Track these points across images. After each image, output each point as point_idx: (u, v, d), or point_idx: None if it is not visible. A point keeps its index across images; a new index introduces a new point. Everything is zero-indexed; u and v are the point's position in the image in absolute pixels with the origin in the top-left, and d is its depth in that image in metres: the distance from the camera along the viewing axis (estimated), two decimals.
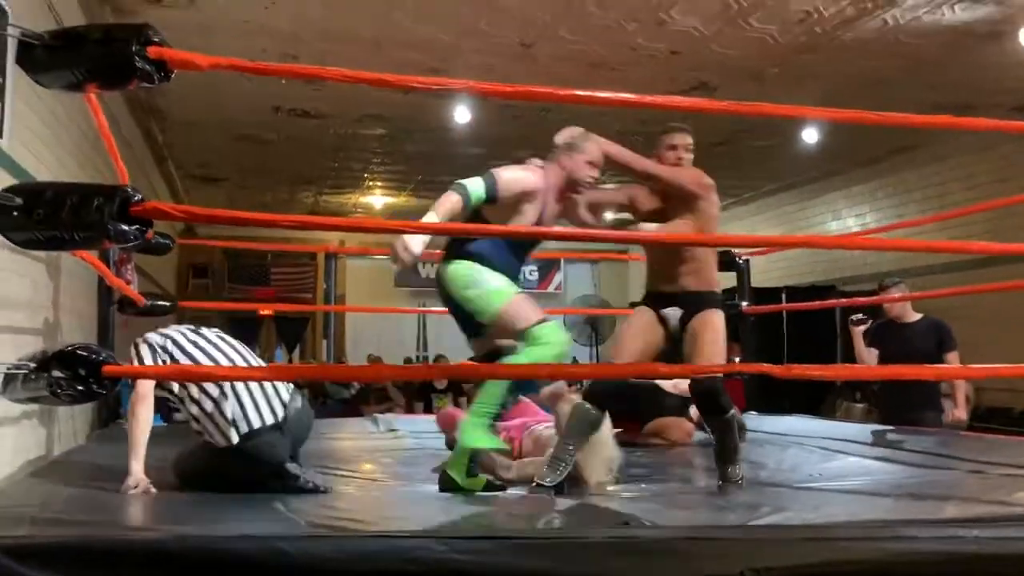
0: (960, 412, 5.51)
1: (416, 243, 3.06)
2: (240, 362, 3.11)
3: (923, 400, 5.36)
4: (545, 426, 3.68)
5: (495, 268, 3.37)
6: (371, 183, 11.58)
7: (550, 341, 3.13)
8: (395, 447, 4.21)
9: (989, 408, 8.36)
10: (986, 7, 5.81)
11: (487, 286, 3.31)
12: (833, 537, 2.10)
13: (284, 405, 3.02)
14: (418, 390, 9.64)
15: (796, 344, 9.65)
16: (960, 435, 5.08)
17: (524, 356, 3.13)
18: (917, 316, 5.61)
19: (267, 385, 3.02)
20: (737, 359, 6.79)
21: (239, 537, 2.02)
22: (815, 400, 8.57)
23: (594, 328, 13.32)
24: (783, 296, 9.91)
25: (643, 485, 3.34)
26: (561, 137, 3.65)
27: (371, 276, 14.81)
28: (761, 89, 7.22)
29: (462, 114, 7.83)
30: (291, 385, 3.17)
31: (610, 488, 3.19)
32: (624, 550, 2.04)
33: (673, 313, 3.51)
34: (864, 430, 4.86)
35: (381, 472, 3.60)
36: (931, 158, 9.45)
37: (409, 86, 3.02)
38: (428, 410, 8.83)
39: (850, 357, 6.05)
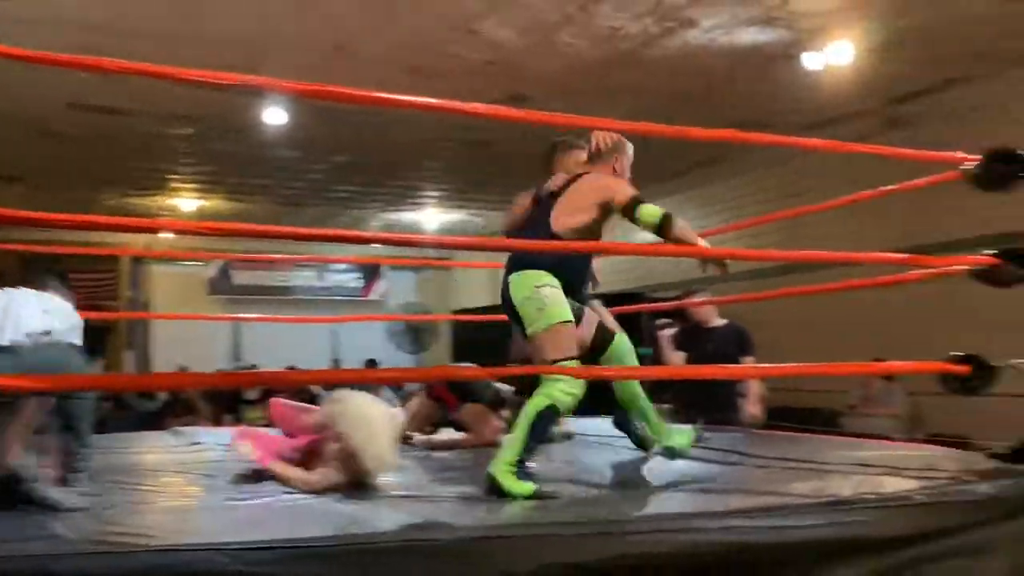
0: (754, 409, 5.85)
1: None
2: None
3: (723, 401, 5.67)
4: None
5: (562, 279, 3.38)
6: (179, 185, 11.10)
7: (570, 388, 3.09)
8: (195, 460, 4.02)
9: (781, 407, 8.91)
10: (776, 31, 6.21)
11: (544, 303, 3.30)
12: (621, 532, 2.16)
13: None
14: (227, 401, 9.30)
15: None
16: (753, 433, 5.40)
17: (540, 392, 3.11)
18: (721, 321, 5.95)
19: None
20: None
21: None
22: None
23: (416, 336, 13.27)
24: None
25: (442, 486, 3.35)
26: (603, 141, 3.74)
27: (181, 283, 14.19)
28: (573, 102, 7.42)
29: (275, 115, 7.63)
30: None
31: (404, 491, 3.18)
32: (415, 553, 2.02)
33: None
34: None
35: (173, 486, 3.43)
36: (731, 172, 10.00)
37: (215, 83, 2.91)
38: (239, 422, 8.52)
39: (658, 361, 6.32)
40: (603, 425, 5.33)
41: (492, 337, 9.71)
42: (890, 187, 4.06)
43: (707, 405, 5.49)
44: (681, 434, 3.83)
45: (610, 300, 10.58)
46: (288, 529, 2.26)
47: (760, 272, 9.48)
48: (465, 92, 7.10)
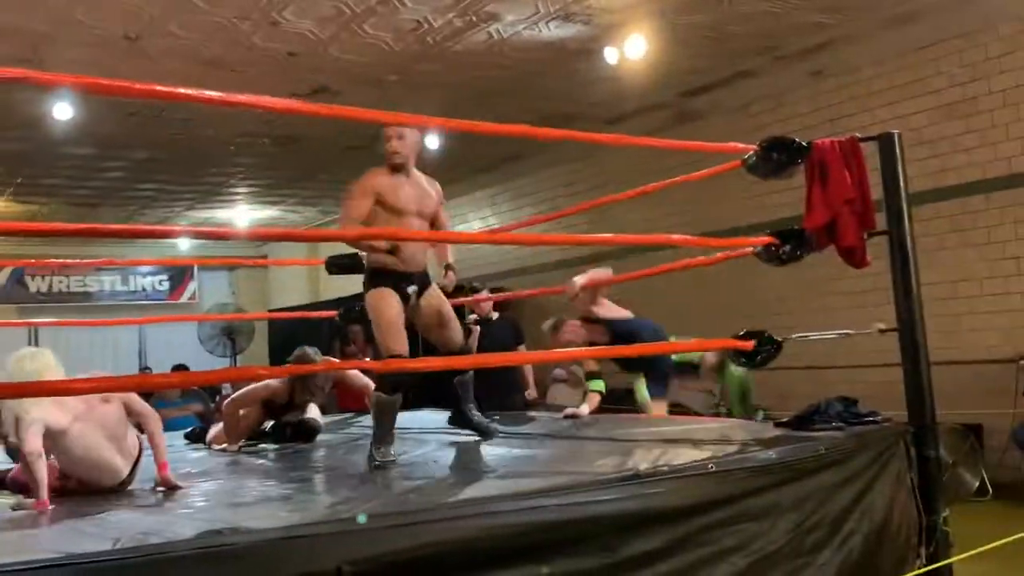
0: (532, 392, 6.97)
1: None
2: None
3: (508, 385, 6.50)
4: None
5: None
6: None
7: None
8: None
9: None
10: (576, 26, 6.40)
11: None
12: (424, 521, 2.17)
13: None
14: None
15: (428, 343, 9.96)
16: (559, 416, 5.59)
17: None
18: (495, 315, 6.71)
19: None
20: (369, 358, 6.96)
21: None
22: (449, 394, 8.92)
23: (231, 338, 12.82)
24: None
25: (247, 491, 3.28)
26: None
27: None
28: (383, 95, 7.39)
29: (62, 110, 7.15)
30: None
31: (205, 498, 3.10)
32: (214, 559, 1.96)
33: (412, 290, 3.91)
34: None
35: None
36: (540, 165, 10.23)
37: None
38: None
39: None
40: (420, 417, 5.36)
41: (310, 335, 9.55)
42: (678, 178, 4.26)
43: (495, 390, 6.13)
44: None
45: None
46: (74, 545, 2.14)
47: (568, 262, 9.77)
48: (267, 85, 6.96)
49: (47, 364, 3.41)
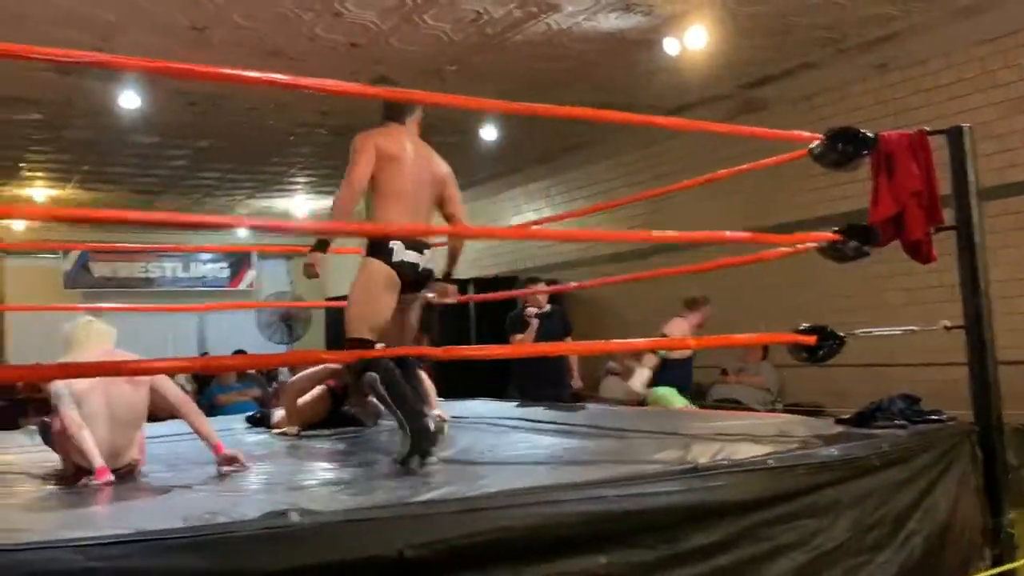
0: (578, 382, 7.02)
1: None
2: None
3: (556, 377, 6.59)
4: None
5: None
6: (30, 173, 10.52)
7: None
8: (45, 460, 3.83)
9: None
10: (636, 16, 6.35)
11: None
12: (486, 507, 2.19)
13: None
14: None
15: (483, 334, 10.03)
16: (613, 408, 5.62)
17: None
18: (549, 307, 6.79)
19: None
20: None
21: None
22: (502, 385, 8.97)
23: (289, 325, 13.01)
24: (471, 287, 10.25)
25: (308, 473, 3.34)
26: None
27: (36, 276, 13.48)
28: (441, 86, 7.42)
29: (129, 99, 7.32)
30: None
31: (268, 480, 3.17)
32: (280, 540, 2.00)
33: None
34: (536, 409, 5.15)
35: (20, 484, 3.28)
36: (597, 157, 10.20)
37: (58, 61, 2.76)
38: None
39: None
40: (473, 407, 5.40)
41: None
42: (743, 166, 4.22)
43: (541, 383, 6.31)
44: None
45: (489, 285, 10.77)
46: (142, 520, 2.20)
47: (621, 256, 9.74)
48: (328, 75, 7.00)
49: (96, 331, 3.47)
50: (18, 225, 12.80)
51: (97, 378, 3.23)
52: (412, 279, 3.59)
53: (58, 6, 5.72)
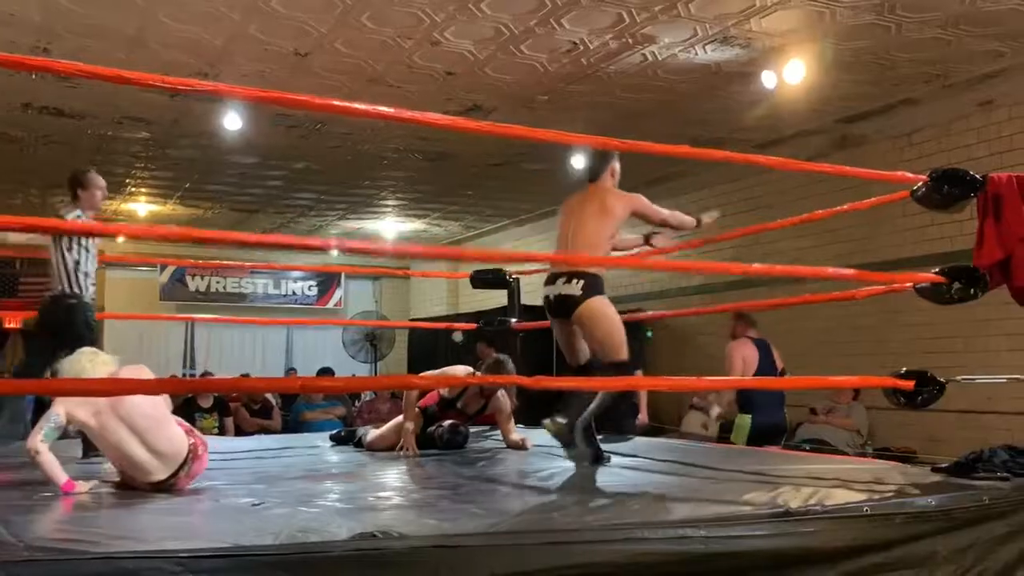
0: (644, 417, 7.09)
1: None
2: None
3: (625, 409, 6.63)
4: None
5: None
6: (134, 189, 10.95)
7: None
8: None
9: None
10: (734, 49, 6.30)
11: None
12: (573, 541, 2.18)
13: None
14: (180, 408, 9.15)
15: (564, 360, 9.98)
16: (702, 445, 5.53)
17: None
18: None
19: None
20: None
21: None
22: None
23: (373, 344, 13.19)
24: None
25: (396, 495, 3.36)
26: None
27: (132, 287, 13.98)
28: (532, 115, 7.49)
29: (232, 121, 7.57)
30: None
31: (357, 499, 3.20)
32: (370, 562, 2.03)
33: None
34: (619, 441, 5.11)
35: (114, 493, 3.38)
36: (686, 188, 10.11)
37: (165, 87, 2.89)
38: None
39: None
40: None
41: (448, 346, 9.73)
42: (841, 207, 4.15)
43: (608, 415, 6.20)
44: None
45: None
46: (235, 537, 2.24)
47: (709, 287, 9.62)
48: (424, 102, 7.16)
49: (101, 360, 3.48)
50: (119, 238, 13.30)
51: (101, 404, 3.25)
52: None
53: (170, 31, 5.96)
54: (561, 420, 3.96)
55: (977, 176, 3.40)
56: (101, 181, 5.15)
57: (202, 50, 6.28)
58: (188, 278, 14.70)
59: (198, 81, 2.85)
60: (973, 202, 3.48)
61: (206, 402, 8.62)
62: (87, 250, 4.92)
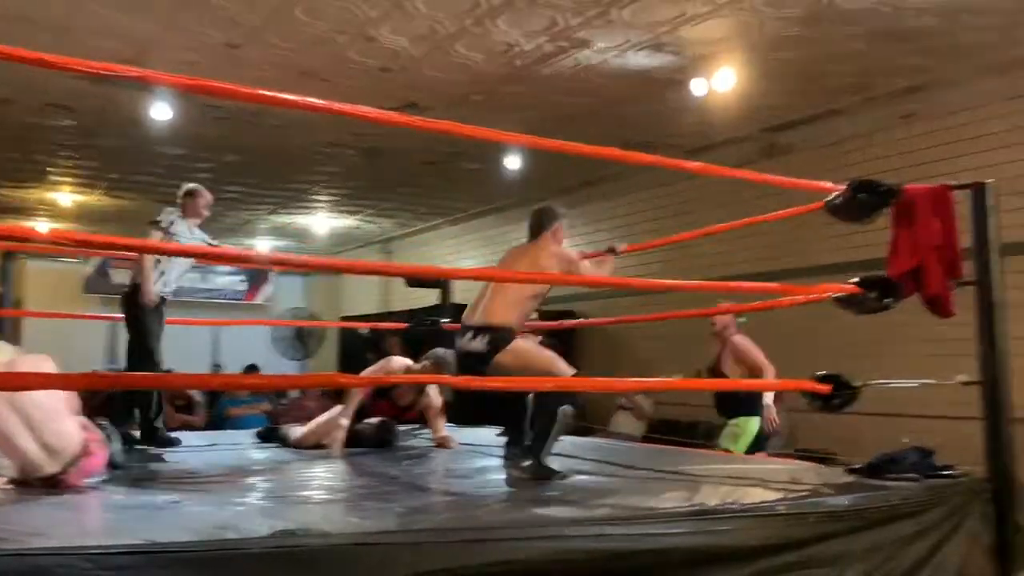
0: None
1: None
2: None
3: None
4: None
5: None
6: (58, 178, 10.65)
7: None
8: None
9: (666, 420, 9.17)
10: (665, 56, 6.40)
11: None
12: (494, 539, 2.20)
13: None
14: (103, 405, 8.92)
15: None
16: (633, 445, 5.61)
17: None
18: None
19: None
20: None
21: None
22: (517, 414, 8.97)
23: (303, 341, 13.05)
24: None
25: (322, 491, 3.35)
26: None
27: (56, 280, 13.60)
28: (467, 114, 7.49)
29: (160, 111, 7.41)
30: None
31: (282, 495, 3.17)
32: (290, 559, 2.01)
33: None
34: None
35: (28, 488, 3.29)
36: (620, 191, 10.24)
37: (93, 72, 2.82)
38: None
39: None
40: (488, 435, 5.40)
41: (380, 344, 9.69)
42: (765, 216, 4.25)
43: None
44: None
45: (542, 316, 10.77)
46: (151, 533, 2.21)
47: (638, 291, 9.73)
48: (359, 98, 7.08)
49: None
50: (42, 226, 12.93)
51: None
52: None
53: (99, 18, 5.82)
54: (525, 465, 3.66)
55: (893, 186, 3.51)
56: None
57: (132, 39, 6.15)
58: (112, 271, 14.35)
59: (123, 67, 2.78)
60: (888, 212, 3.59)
61: None
62: None
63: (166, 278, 5.14)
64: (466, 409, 6.69)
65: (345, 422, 4.79)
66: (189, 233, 5.24)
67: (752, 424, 5.97)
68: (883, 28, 5.88)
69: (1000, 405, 3.31)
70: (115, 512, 2.92)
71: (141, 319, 5.02)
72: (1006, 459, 3.28)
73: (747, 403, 5.96)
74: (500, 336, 3.75)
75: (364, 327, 10.34)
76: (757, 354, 5.99)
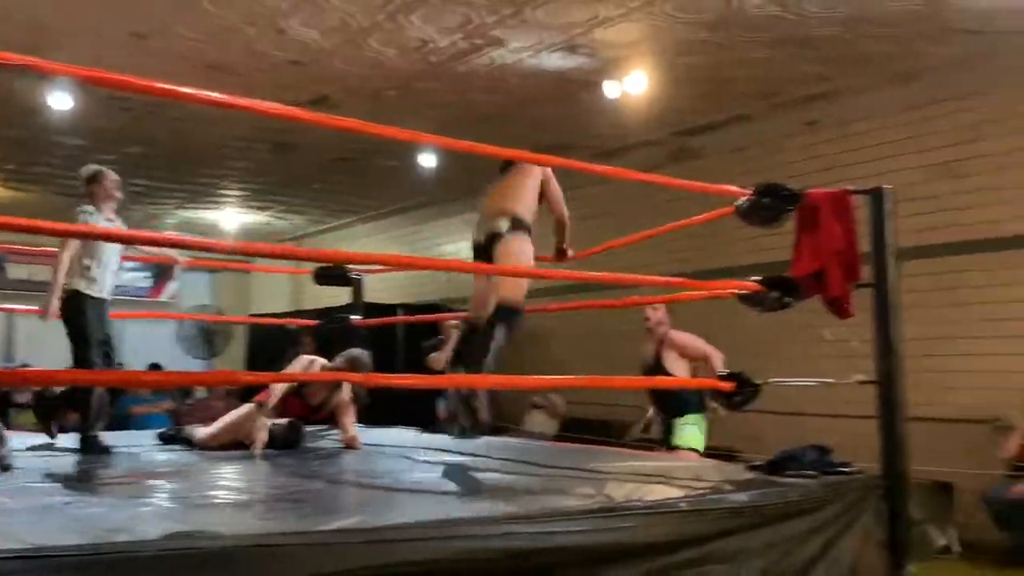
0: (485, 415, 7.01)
1: None
2: None
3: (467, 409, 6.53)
4: None
5: None
6: None
7: None
8: None
9: (577, 419, 9.24)
10: (579, 58, 6.45)
11: None
12: (396, 539, 2.17)
13: None
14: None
15: (410, 360, 9.95)
16: (542, 443, 5.62)
17: None
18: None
19: None
20: None
21: None
22: (427, 413, 8.91)
23: (209, 340, 12.73)
24: (399, 313, 10.18)
25: (218, 492, 3.26)
26: None
27: None
28: (381, 110, 7.42)
29: (61, 100, 7.14)
30: None
31: (177, 497, 3.08)
32: (183, 563, 1.95)
33: None
34: (454, 440, 5.12)
35: None
36: None
37: None
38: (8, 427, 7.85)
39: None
40: (394, 435, 5.35)
41: (289, 343, 9.52)
42: (674, 224, 4.34)
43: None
44: None
45: (418, 311, 10.72)
46: (37, 537, 2.12)
47: (556, 289, 9.79)
48: (269, 91, 6.97)
49: None
50: None
51: None
52: None
53: (1, 5, 5.59)
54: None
55: (796, 191, 3.60)
56: None
57: (31, 25, 5.91)
58: (10, 266, 13.77)
59: (14, 55, 2.66)
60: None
61: (23, 397, 8.11)
62: None
63: (100, 280, 4.83)
64: (377, 409, 6.63)
65: (267, 422, 4.69)
66: (109, 223, 4.97)
67: (703, 420, 5.86)
68: (788, 36, 6.03)
69: (895, 404, 3.42)
70: (2, 516, 2.78)
71: (75, 322, 4.74)
72: (900, 456, 3.39)
73: (694, 400, 5.80)
74: (521, 223, 4.18)
75: (273, 323, 10.13)
76: (701, 344, 5.85)
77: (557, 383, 6.42)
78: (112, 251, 4.88)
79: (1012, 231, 6.73)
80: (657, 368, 5.87)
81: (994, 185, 6.83)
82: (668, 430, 5.87)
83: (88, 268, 4.79)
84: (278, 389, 4.79)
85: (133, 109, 7.85)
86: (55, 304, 4.70)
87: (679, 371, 5.81)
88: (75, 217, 4.86)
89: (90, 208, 4.89)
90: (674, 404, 5.83)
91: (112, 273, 4.93)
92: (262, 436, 4.61)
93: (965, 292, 6.97)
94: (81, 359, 4.73)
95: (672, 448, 5.76)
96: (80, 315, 4.75)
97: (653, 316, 5.89)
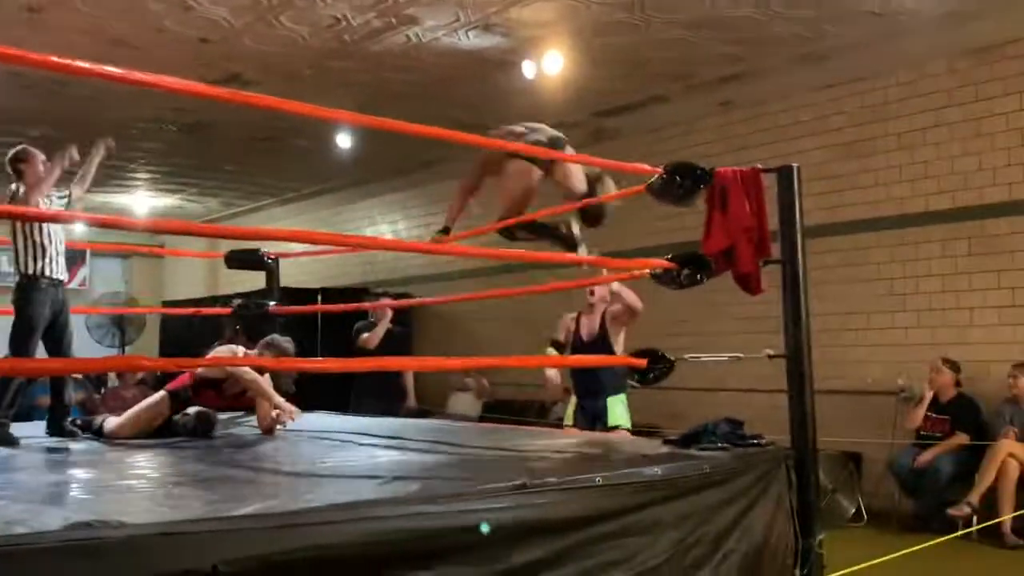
0: (411, 401, 7.42)
1: None
2: None
3: (393, 393, 7.02)
4: None
5: None
6: None
7: None
8: None
9: (502, 400, 9.28)
10: (495, 37, 6.42)
11: None
12: (304, 523, 2.13)
13: None
14: None
15: (329, 345, 9.84)
16: (464, 425, 5.63)
17: None
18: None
19: None
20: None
21: None
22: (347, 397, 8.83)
23: (121, 328, 12.37)
24: (319, 298, 10.04)
25: (132, 481, 3.18)
26: None
27: None
28: (296, 89, 7.27)
29: None
30: None
31: (80, 486, 2.99)
32: (83, 552, 1.88)
33: None
34: (374, 423, 5.09)
35: None
36: (456, 172, 10.20)
37: None
38: None
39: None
40: (314, 420, 5.28)
41: (207, 330, 9.32)
42: (592, 199, 4.35)
43: (379, 398, 6.66)
44: None
45: (338, 295, 10.58)
46: None
47: (480, 271, 9.80)
48: (176, 69, 6.74)
49: None
50: None
51: None
52: None
53: None
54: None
55: (706, 169, 3.64)
56: None
57: None
58: None
59: None
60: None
61: None
62: None
63: (49, 259, 4.71)
64: (298, 394, 6.53)
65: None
66: (46, 203, 4.78)
67: (627, 398, 5.72)
68: (702, 17, 6.10)
69: (803, 377, 3.50)
70: None
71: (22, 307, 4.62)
72: (808, 428, 3.47)
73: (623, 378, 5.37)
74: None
75: (187, 312, 9.89)
76: (633, 295, 5.62)
77: (482, 363, 6.45)
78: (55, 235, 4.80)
79: (914, 209, 6.96)
80: (602, 345, 5.68)
81: (898, 163, 7.03)
82: (604, 409, 5.68)
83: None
84: (253, 375, 4.71)
85: (33, 87, 7.55)
86: None
87: (620, 349, 5.64)
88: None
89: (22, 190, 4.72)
90: (613, 382, 5.59)
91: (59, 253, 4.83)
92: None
93: (870, 268, 7.18)
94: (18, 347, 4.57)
95: (609, 429, 5.59)
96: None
97: (599, 291, 5.67)
